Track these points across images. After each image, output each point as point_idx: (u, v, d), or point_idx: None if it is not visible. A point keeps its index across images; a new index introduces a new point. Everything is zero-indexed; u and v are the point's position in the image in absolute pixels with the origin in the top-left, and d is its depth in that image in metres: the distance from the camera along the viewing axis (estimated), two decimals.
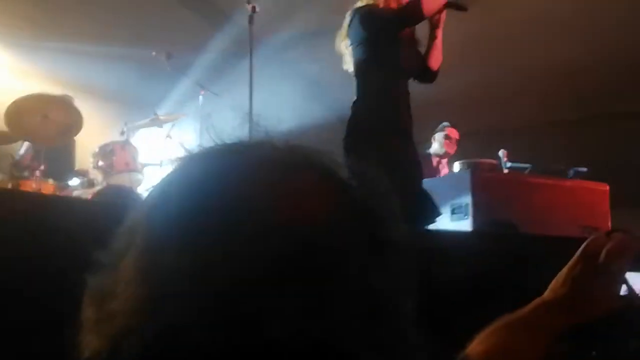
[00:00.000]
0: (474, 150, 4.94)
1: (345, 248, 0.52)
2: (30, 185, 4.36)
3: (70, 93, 5.27)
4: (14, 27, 5.83)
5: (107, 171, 4.98)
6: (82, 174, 4.97)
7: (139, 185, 5.06)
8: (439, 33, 3.45)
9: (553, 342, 0.88)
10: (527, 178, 4.25)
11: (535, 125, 7.25)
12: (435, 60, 3.48)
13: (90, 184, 4.82)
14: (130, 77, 6.51)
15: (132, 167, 5.06)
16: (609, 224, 3.96)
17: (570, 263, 0.92)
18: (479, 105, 6.90)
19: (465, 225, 3.65)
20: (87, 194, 4.63)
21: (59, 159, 5.12)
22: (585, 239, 0.91)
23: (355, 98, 3.30)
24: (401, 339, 0.53)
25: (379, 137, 3.10)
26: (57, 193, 4.47)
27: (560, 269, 0.93)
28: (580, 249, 0.91)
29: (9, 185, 4.35)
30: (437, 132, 5.69)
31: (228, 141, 0.57)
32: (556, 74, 6.39)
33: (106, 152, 5.03)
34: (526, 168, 4.64)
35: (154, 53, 5.39)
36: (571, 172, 4.30)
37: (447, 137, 5.62)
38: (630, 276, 0.90)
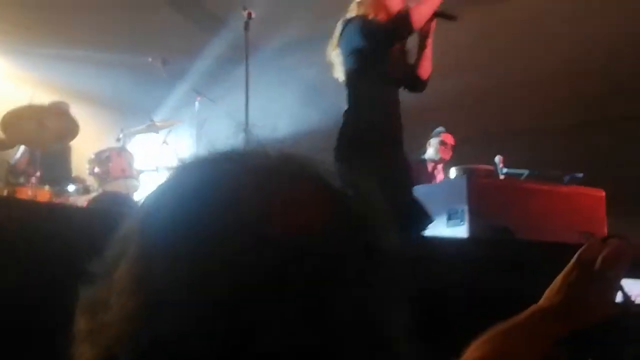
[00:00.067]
0: (470, 156, 4.94)
1: (341, 257, 0.52)
2: (26, 192, 4.35)
3: (66, 100, 5.28)
4: (10, 34, 5.83)
5: (103, 178, 4.96)
6: (78, 180, 4.96)
7: (135, 191, 5.05)
8: (429, 42, 3.46)
9: (549, 348, 0.87)
10: (523, 184, 4.26)
11: (530, 131, 7.26)
12: (425, 69, 3.48)
13: (86, 190, 4.80)
14: (126, 84, 6.51)
15: (128, 174, 5.05)
16: (605, 230, 3.96)
17: (566, 269, 0.91)
18: (475, 110, 6.91)
19: (461, 231, 3.65)
20: (83, 200, 4.62)
21: (55, 165, 5.11)
22: (582, 245, 0.91)
23: (346, 107, 3.31)
24: (395, 350, 0.53)
25: (370, 146, 3.12)
26: (53, 200, 4.46)
27: (556, 275, 0.92)
28: (576, 255, 0.91)
29: (5, 192, 4.35)
30: (432, 137, 5.68)
31: (222, 149, 0.57)
32: (552, 80, 6.40)
33: (102, 158, 5.02)
34: (522, 174, 4.65)
35: (150, 59, 5.40)
36: (567, 178, 4.31)
37: (442, 142, 5.62)
38: (626, 283, 0.90)
